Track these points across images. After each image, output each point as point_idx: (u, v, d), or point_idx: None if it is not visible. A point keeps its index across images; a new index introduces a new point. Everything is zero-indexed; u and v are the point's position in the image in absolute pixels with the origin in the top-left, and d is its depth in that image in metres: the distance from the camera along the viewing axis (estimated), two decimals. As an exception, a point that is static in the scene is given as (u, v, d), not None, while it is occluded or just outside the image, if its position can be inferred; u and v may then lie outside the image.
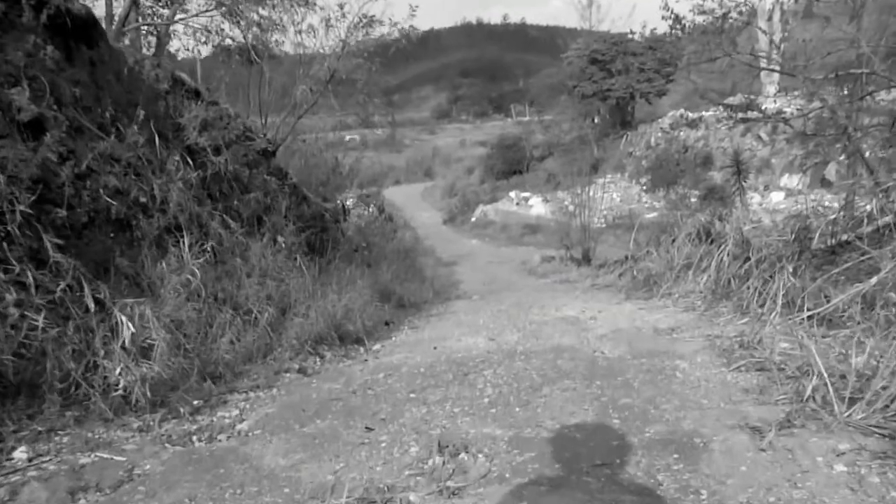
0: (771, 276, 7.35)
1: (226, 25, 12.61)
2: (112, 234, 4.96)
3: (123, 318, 4.21)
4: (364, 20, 9.65)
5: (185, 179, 6.00)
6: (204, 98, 7.39)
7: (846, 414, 3.35)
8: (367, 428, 3.94)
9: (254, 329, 5.65)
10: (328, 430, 3.97)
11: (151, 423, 4.00)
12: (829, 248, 7.55)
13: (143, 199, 5.32)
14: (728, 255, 8.56)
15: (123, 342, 4.15)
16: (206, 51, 12.97)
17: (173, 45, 12.64)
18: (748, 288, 7.50)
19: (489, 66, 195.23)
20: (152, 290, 4.97)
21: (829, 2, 11.32)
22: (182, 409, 4.15)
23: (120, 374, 4.04)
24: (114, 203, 4.98)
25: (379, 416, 4.18)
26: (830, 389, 3.52)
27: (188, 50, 12.25)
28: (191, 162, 6.31)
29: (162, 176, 5.58)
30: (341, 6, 9.74)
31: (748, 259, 8.44)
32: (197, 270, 5.27)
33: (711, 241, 9.92)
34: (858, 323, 4.91)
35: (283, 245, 7.61)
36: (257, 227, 7.13)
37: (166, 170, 5.72)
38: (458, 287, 17.33)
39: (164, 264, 5.20)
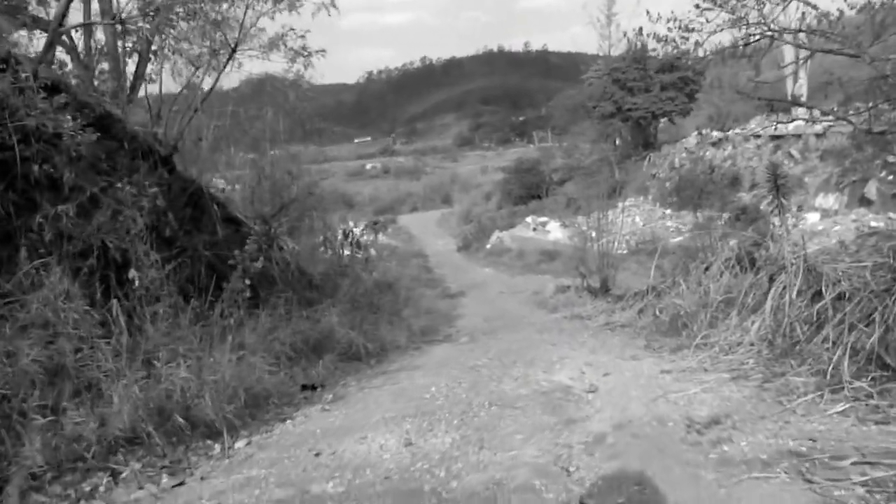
0: (868, 324, 4.78)
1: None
2: None
3: None
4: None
5: None
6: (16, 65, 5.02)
7: None
8: None
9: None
10: None
11: None
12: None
13: None
14: (790, 289, 5.97)
15: None
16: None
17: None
18: (828, 342, 4.93)
19: (511, 93, 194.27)
20: None
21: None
22: None
23: None
24: None
25: None
26: None
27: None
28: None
29: None
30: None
31: (817, 295, 5.86)
32: None
33: (757, 270, 7.35)
34: None
35: (136, 282, 5.17)
36: (64, 253, 4.66)
37: None
38: (454, 323, 14.91)
39: None
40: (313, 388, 6.53)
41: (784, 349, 5.40)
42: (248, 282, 5.67)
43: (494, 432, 3.87)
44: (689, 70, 38.62)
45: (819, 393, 3.97)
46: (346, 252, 12.06)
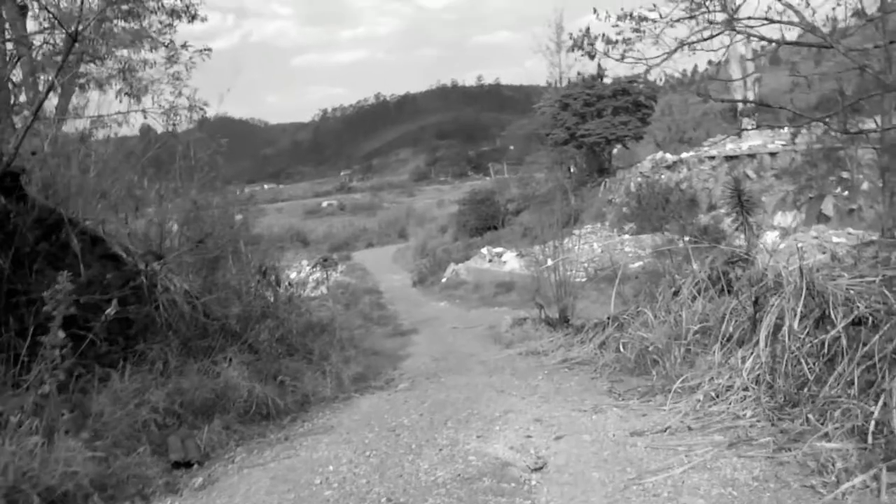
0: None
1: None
2: None
3: None
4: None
5: None
6: None
7: None
8: None
9: None
10: None
11: None
12: None
13: None
14: (788, 314, 4.68)
15: None
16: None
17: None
18: (852, 386, 3.63)
19: (466, 126, 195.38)
20: None
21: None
22: None
23: None
24: None
25: None
26: None
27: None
28: None
29: None
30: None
31: (822, 319, 4.58)
32: None
33: (737, 293, 6.08)
34: None
35: None
36: None
37: None
38: (399, 364, 13.45)
39: None
40: (188, 464, 5.05)
41: (789, 394, 4.09)
42: (62, 334, 4.19)
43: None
44: (640, 94, 38.21)
45: (870, 472, 2.64)
46: (270, 291, 10.62)
